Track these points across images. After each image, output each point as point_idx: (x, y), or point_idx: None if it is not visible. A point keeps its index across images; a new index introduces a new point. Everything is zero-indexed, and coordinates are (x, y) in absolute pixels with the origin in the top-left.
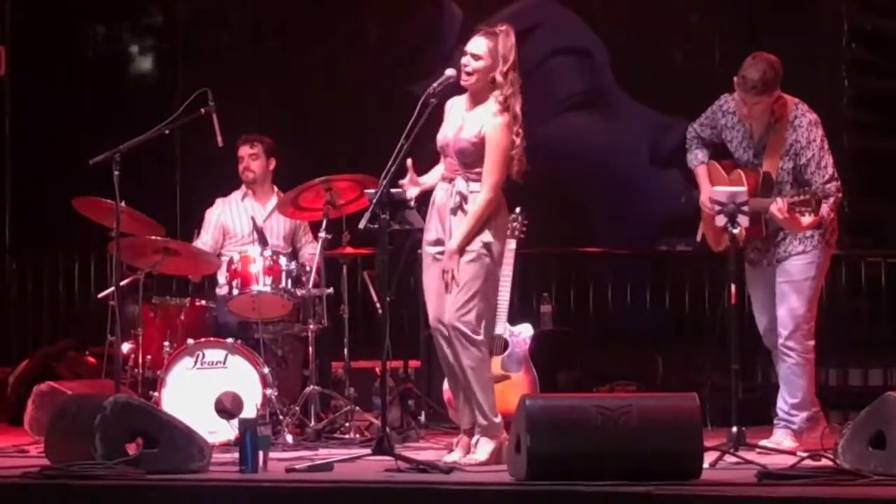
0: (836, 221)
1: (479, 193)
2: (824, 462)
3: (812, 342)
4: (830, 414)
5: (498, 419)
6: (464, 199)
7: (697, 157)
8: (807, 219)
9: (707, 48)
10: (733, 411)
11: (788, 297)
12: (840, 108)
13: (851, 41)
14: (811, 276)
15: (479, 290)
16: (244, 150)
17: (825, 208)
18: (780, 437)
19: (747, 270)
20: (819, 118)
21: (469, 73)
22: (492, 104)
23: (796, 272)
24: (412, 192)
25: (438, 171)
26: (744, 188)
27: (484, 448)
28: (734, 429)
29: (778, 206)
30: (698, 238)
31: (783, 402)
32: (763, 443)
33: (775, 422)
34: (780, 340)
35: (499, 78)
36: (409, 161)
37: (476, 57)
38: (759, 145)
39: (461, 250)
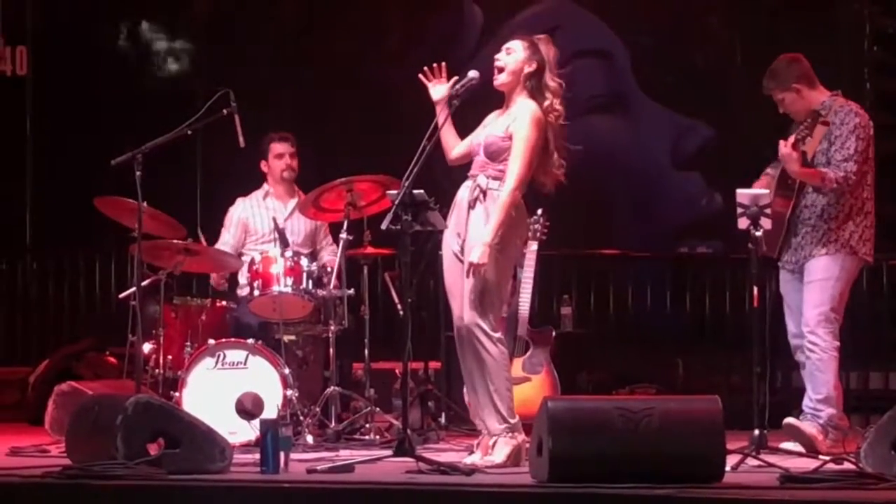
0: (869, 231)
1: (505, 189)
2: (847, 466)
3: (836, 342)
4: (852, 417)
5: (515, 420)
6: (483, 193)
7: (766, 171)
8: (811, 169)
9: (728, 51)
10: (755, 414)
11: (812, 293)
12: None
13: (873, 44)
14: (834, 275)
15: (494, 288)
16: (285, 148)
17: (830, 175)
18: (806, 426)
19: (781, 275)
20: (868, 121)
21: (501, 68)
22: (527, 101)
23: (819, 270)
24: (440, 90)
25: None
26: (767, 190)
27: (502, 450)
28: (756, 432)
29: (783, 142)
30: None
31: (808, 399)
32: (785, 445)
33: (801, 416)
34: (805, 336)
35: (545, 80)
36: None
37: (509, 51)
38: (806, 136)
39: (492, 244)
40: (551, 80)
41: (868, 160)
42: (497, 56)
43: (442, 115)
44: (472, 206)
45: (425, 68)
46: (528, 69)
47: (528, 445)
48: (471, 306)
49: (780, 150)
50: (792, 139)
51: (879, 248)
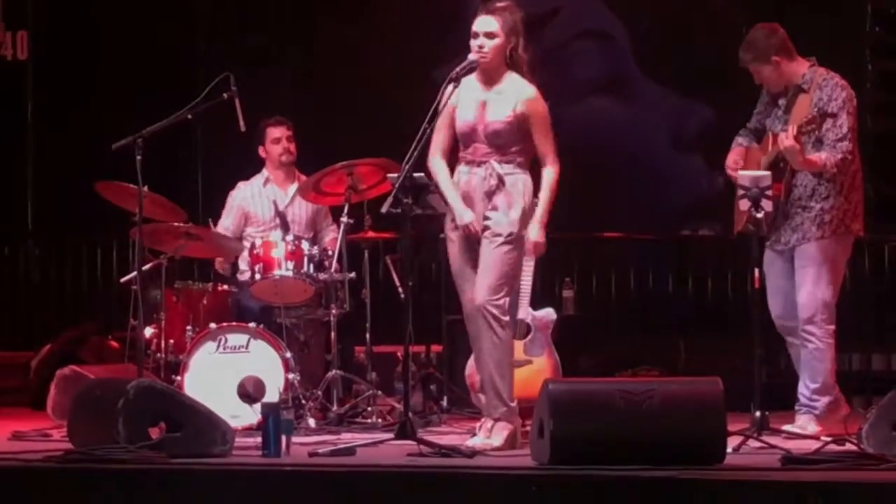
0: (860, 206)
1: (549, 169)
2: (848, 447)
3: (832, 327)
4: (854, 399)
5: (514, 404)
6: (501, 180)
7: (736, 141)
8: (810, 151)
9: (730, 32)
10: (757, 396)
11: (807, 281)
12: (863, 91)
13: (875, 24)
14: (829, 258)
15: (510, 275)
16: (281, 132)
17: (831, 159)
18: (804, 423)
19: (766, 254)
20: (852, 93)
21: (485, 53)
22: (518, 79)
23: (815, 255)
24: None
25: (446, 171)
26: (768, 173)
27: (500, 433)
28: (757, 413)
29: (786, 133)
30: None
31: (804, 388)
32: (786, 427)
33: (797, 407)
34: (801, 325)
35: (520, 51)
36: None
37: (491, 35)
38: (787, 110)
39: (545, 226)
40: (524, 51)
41: (855, 134)
42: (480, 44)
43: (442, 98)
44: (489, 196)
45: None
46: (509, 46)
47: (526, 429)
48: (487, 288)
49: (783, 143)
50: (793, 131)
51: (881, 229)
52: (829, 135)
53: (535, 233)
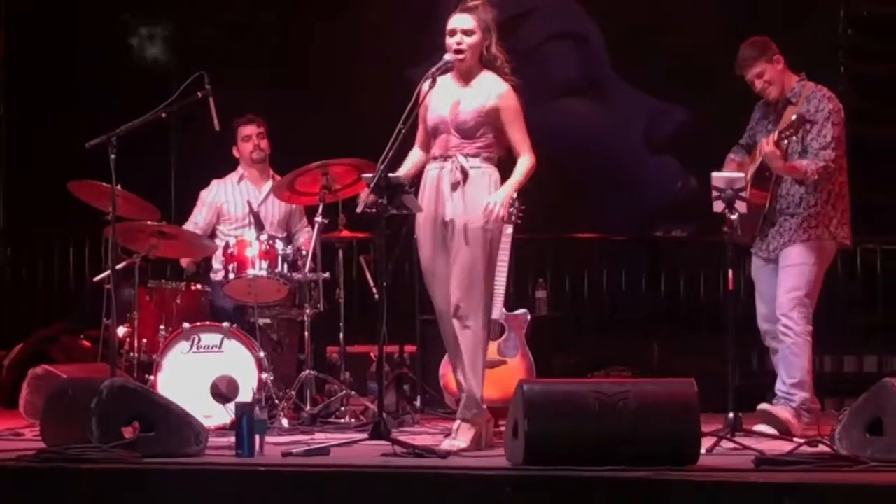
0: (846, 215)
1: (525, 157)
2: (822, 448)
3: (810, 327)
4: (826, 401)
5: (483, 406)
6: (465, 174)
7: (728, 157)
8: (795, 159)
9: (705, 34)
10: (730, 397)
11: (787, 278)
12: (837, 94)
13: (848, 27)
14: (811, 261)
15: (483, 275)
16: (251, 129)
17: (812, 167)
18: (780, 411)
19: (753, 261)
20: (840, 106)
21: (463, 50)
22: (492, 76)
23: (796, 255)
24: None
25: (412, 159)
26: (742, 174)
27: (466, 434)
28: (731, 414)
29: (766, 140)
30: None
31: (781, 383)
32: (758, 428)
33: (774, 401)
34: (779, 322)
35: (493, 49)
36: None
37: (468, 32)
38: (776, 122)
39: (508, 199)
40: (498, 51)
41: (841, 144)
42: (458, 41)
43: (417, 98)
44: (454, 188)
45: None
46: (484, 44)
47: (500, 430)
48: (460, 288)
49: (763, 148)
50: (774, 136)
51: (853, 232)
52: (813, 144)
53: (494, 198)
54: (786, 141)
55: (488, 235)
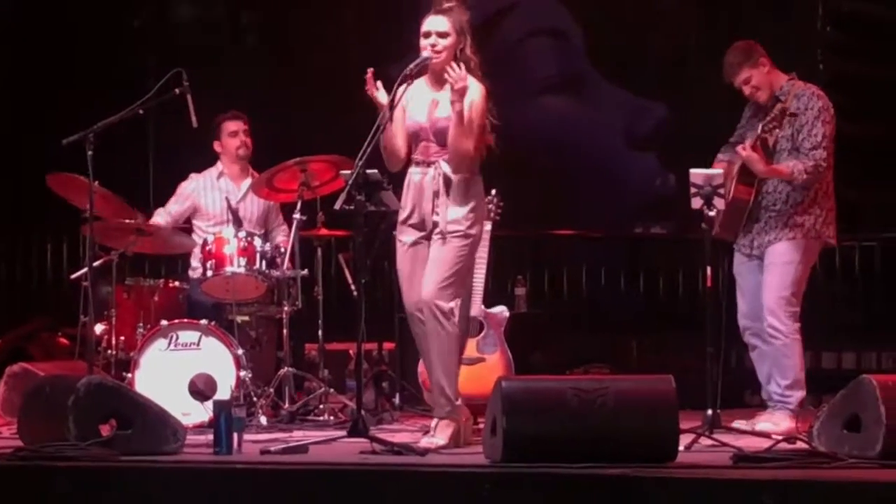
0: (832, 213)
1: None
2: (799, 445)
3: (797, 324)
4: (805, 397)
5: (459, 402)
6: (448, 182)
7: (717, 158)
8: (787, 159)
9: (685, 31)
10: (709, 394)
11: (773, 277)
12: None
13: (826, 24)
14: (796, 259)
15: (459, 272)
16: (238, 125)
17: (799, 166)
18: (779, 419)
19: (736, 257)
20: (829, 104)
21: (439, 52)
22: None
23: (781, 254)
24: (383, 95)
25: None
26: (720, 171)
27: (444, 431)
28: (709, 411)
29: (741, 146)
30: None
31: (776, 386)
32: (760, 425)
33: (770, 405)
34: (766, 322)
35: (468, 51)
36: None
37: (443, 35)
38: (774, 127)
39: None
40: (472, 53)
41: (831, 143)
42: (433, 43)
43: (395, 95)
44: (437, 195)
45: (370, 72)
46: (458, 46)
47: (479, 427)
48: (435, 283)
49: (741, 154)
50: (750, 143)
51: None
52: (804, 143)
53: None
54: (769, 135)
55: (468, 240)
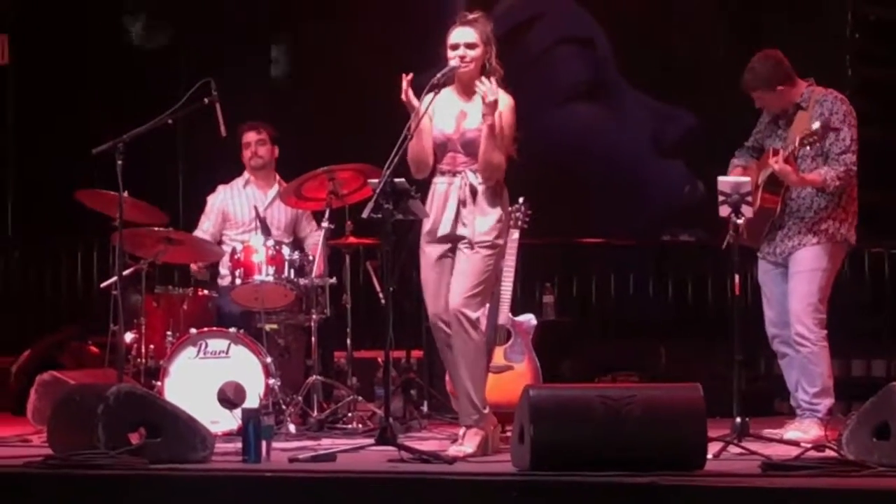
0: (855, 216)
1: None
2: (828, 453)
3: (825, 331)
4: (834, 405)
5: (487, 410)
6: (474, 192)
7: (732, 163)
8: (811, 167)
9: (711, 38)
10: (736, 402)
11: (799, 284)
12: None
13: (855, 32)
14: (822, 266)
15: (487, 282)
16: (251, 136)
17: (831, 174)
18: (808, 426)
19: (760, 265)
20: (851, 107)
21: (468, 63)
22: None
23: (807, 261)
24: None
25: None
26: (748, 179)
27: (472, 440)
28: (738, 419)
29: (774, 158)
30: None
31: (804, 394)
32: (790, 434)
33: (799, 413)
34: (793, 330)
35: (493, 62)
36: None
37: (472, 46)
38: (787, 128)
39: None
40: (497, 64)
41: (857, 146)
42: (462, 55)
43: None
44: (464, 205)
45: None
46: (486, 57)
47: (506, 435)
48: (462, 293)
49: (774, 167)
50: (784, 155)
51: (861, 237)
52: (833, 148)
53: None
54: (808, 147)
55: (495, 250)
